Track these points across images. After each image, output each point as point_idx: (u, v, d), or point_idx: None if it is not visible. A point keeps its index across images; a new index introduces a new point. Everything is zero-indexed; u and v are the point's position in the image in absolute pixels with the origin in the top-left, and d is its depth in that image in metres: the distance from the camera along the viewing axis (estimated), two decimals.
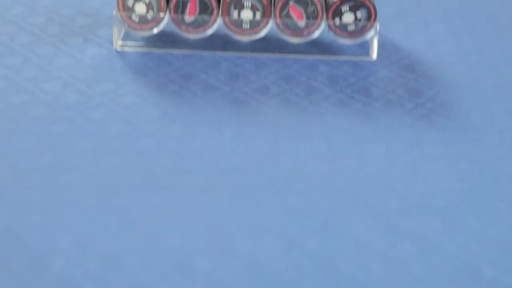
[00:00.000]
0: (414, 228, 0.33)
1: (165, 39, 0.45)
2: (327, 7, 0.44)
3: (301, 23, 0.44)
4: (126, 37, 0.45)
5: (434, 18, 0.49)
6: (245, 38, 0.44)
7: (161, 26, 0.44)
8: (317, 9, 0.43)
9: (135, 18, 0.44)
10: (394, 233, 0.33)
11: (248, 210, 0.34)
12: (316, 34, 0.44)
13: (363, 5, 0.43)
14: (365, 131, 0.39)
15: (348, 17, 0.44)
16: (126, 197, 0.34)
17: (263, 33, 0.44)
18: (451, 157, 0.37)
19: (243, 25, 0.44)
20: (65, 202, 0.34)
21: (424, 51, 0.45)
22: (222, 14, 0.44)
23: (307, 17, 0.44)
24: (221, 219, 0.33)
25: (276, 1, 0.44)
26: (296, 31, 0.44)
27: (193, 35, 0.44)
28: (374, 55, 0.44)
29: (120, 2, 0.43)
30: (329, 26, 0.44)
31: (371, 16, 0.44)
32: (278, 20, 0.44)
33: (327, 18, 0.44)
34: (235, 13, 0.44)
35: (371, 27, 0.44)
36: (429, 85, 0.42)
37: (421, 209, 0.34)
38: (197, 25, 0.44)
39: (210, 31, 0.44)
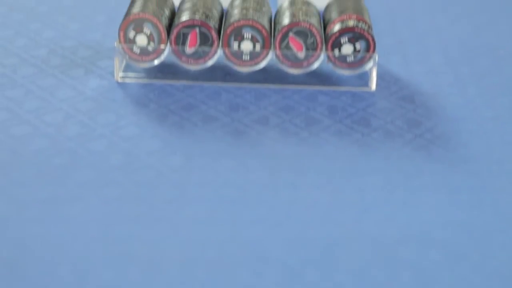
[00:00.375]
0: (414, 259, 0.33)
1: (166, 70, 0.46)
2: (326, 38, 0.44)
3: (301, 54, 0.44)
4: (127, 68, 0.46)
5: (433, 49, 0.49)
6: (245, 69, 0.45)
7: (162, 57, 0.44)
8: (316, 40, 0.44)
9: (136, 50, 0.44)
10: (394, 264, 0.33)
11: (248, 241, 0.34)
12: (315, 65, 0.44)
13: (362, 37, 0.44)
14: (365, 162, 0.39)
15: (347, 49, 0.44)
16: (127, 228, 0.34)
17: (263, 64, 0.44)
18: (451, 188, 0.37)
19: (243, 57, 0.44)
20: (65, 234, 0.34)
21: (423, 81, 0.46)
22: (222, 46, 0.44)
23: (307, 49, 0.44)
24: (221, 251, 0.33)
25: (276, 33, 0.44)
26: (295, 62, 0.44)
27: (194, 67, 0.45)
28: (373, 85, 0.45)
29: (122, 34, 0.44)
30: (328, 57, 0.44)
31: (370, 47, 0.44)
32: (278, 52, 0.44)
33: (326, 49, 0.44)
34: (235, 45, 0.44)
35: (370, 58, 0.44)
36: (428, 116, 0.42)
37: (421, 240, 0.34)
38: (198, 56, 0.44)
39: (210, 62, 0.44)
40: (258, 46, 0.44)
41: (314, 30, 0.44)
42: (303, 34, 0.44)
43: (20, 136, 0.40)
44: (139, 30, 0.44)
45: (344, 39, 0.44)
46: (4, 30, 0.50)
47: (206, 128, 0.41)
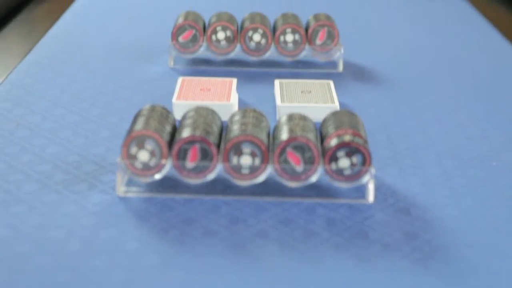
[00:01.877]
0: None
1: (167, 184, 0.47)
2: (323, 152, 0.46)
3: (299, 168, 0.45)
4: (129, 182, 0.46)
5: (428, 161, 0.50)
6: (244, 183, 0.46)
7: (163, 172, 0.45)
8: (313, 154, 0.45)
9: (138, 165, 0.45)
10: None
11: None
12: (313, 178, 0.45)
13: (358, 151, 0.45)
14: (363, 276, 0.39)
15: (344, 162, 0.45)
16: None
17: (262, 178, 0.45)
18: None
19: (243, 171, 0.45)
20: None
21: (419, 193, 0.47)
22: (222, 160, 0.45)
23: (304, 162, 0.45)
24: None
25: (274, 147, 0.45)
26: (294, 175, 0.45)
27: (194, 180, 0.46)
28: (371, 198, 0.45)
29: (124, 150, 0.45)
30: (326, 171, 0.45)
31: (366, 161, 0.45)
32: (277, 166, 0.45)
33: (323, 163, 0.45)
34: (234, 159, 0.45)
35: (366, 171, 0.45)
36: (425, 228, 0.43)
37: None
38: (198, 170, 0.45)
39: (210, 176, 0.45)
40: (257, 161, 0.45)
41: (311, 144, 0.45)
42: (300, 148, 0.45)
43: (23, 254, 0.40)
44: (141, 146, 0.45)
45: (340, 153, 0.45)
46: (9, 146, 0.51)
47: (206, 243, 0.41)
